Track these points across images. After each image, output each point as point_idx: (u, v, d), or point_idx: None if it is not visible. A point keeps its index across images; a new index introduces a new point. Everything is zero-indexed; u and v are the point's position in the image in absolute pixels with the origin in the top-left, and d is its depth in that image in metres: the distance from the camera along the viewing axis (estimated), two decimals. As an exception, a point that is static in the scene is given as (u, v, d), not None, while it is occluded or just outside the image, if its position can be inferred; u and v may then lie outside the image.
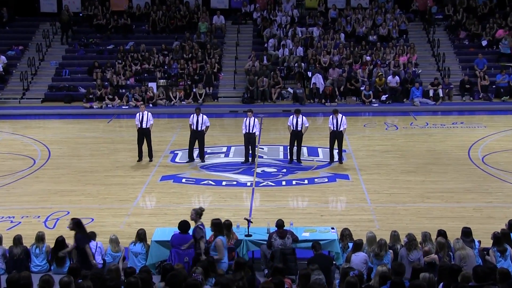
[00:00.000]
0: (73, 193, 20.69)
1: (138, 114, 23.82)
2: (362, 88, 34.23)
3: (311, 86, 34.51)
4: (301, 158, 23.58)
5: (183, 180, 21.83)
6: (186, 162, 23.69)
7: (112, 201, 19.92)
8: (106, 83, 35.31)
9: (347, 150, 24.91)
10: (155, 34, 40.11)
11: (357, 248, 13.53)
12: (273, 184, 21.46)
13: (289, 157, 23.66)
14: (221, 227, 13.90)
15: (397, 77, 34.24)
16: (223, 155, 25.05)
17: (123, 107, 33.85)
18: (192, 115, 23.66)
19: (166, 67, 36.77)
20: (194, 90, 34.74)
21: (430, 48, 38.57)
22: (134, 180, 21.93)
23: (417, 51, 37.22)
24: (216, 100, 35.32)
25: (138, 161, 23.80)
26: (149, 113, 23.84)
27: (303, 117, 23.32)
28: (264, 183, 21.51)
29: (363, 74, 35.22)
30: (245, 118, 23.41)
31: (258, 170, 22.93)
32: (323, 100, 33.90)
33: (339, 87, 34.53)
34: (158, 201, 20.13)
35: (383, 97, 33.85)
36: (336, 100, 33.99)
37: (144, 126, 23.53)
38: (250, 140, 23.34)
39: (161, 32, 40.08)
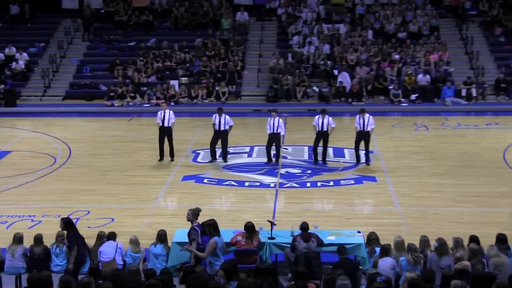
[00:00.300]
0: (94, 192, 20.82)
1: (159, 112, 23.88)
2: (390, 87, 34.08)
3: (338, 85, 34.41)
4: (326, 159, 23.51)
5: (205, 181, 21.85)
6: (208, 162, 23.75)
7: (132, 201, 20.01)
8: (127, 80, 35.49)
9: (375, 151, 24.79)
10: (177, 31, 40.25)
11: (385, 253, 13.45)
12: (297, 185, 21.42)
13: (314, 158, 23.62)
14: (217, 227, 13.87)
15: (428, 76, 34.06)
16: (246, 155, 25.06)
17: (145, 105, 33.99)
18: (214, 115, 23.73)
19: (188, 64, 36.88)
20: (216, 88, 34.79)
21: (463, 46, 38.28)
22: (155, 180, 22.00)
23: (449, 48, 37.02)
24: (239, 98, 35.35)
25: (160, 160, 23.89)
26: (171, 112, 23.91)
27: (329, 117, 23.25)
28: (288, 185, 21.47)
29: (391, 73, 35.08)
30: (269, 118, 23.39)
31: (282, 171, 22.90)
32: (350, 100, 33.79)
33: (367, 86, 34.41)
34: (179, 201, 20.18)
35: (413, 97, 33.67)
36: (364, 99, 33.88)
37: (166, 124, 23.61)
38: (274, 140, 23.32)
39: (184, 29, 40.22)
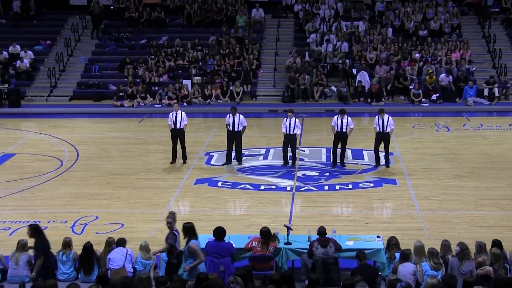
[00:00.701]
0: (102, 196, 20.87)
1: (171, 113, 23.88)
2: (411, 87, 34.00)
3: (356, 84, 34.39)
4: (345, 161, 23.47)
5: (219, 184, 21.88)
6: (223, 165, 23.75)
7: (143, 206, 20.04)
8: (138, 80, 35.58)
9: (395, 153, 24.76)
10: (190, 28, 40.35)
11: (405, 258, 13.43)
12: (314, 188, 21.41)
13: (332, 160, 23.60)
14: (194, 230, 14.01)
15: (450, 76, 33.92)
16: (261, 157, 25.06)
17: (156, 105, 34.07)
18: (228, 115, 23.71)
19: (201, 63, 36.94)
20: (231, 88, 34.83)
21: (485, 44, 38.19)
22: (166, 183, 22.03)
23: (471, 47, 36.91)
24: (254, 98, 35.37)
25: (172, 163, 23.91)
26: (183, 113, 23.95)
27: (348, 117, 23.19)
28: (305, 188, 21.46)
29: (412, 72, 35.00)
30: (285, 119, 23.32)
31: (299, 173, 22.89)
32: (369, 100, 33.74)
33: (386, 86, 34.35)
34: (192, 206, 20.20)
35: (434, 97, 33.61)
36: (383, 99, 33.84)
37: (178, 126, 23.63)
38: (290, 141, 23.27)
39: (197, 26, 40.30)
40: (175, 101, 23.31)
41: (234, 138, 23.59)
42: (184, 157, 24.05)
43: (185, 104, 33.53)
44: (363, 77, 34.46)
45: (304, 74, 34.71)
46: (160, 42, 38.57)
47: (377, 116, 23.16)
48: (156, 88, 35.19)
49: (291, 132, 23.05)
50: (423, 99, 33.55)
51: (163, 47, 38.00)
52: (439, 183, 21.72)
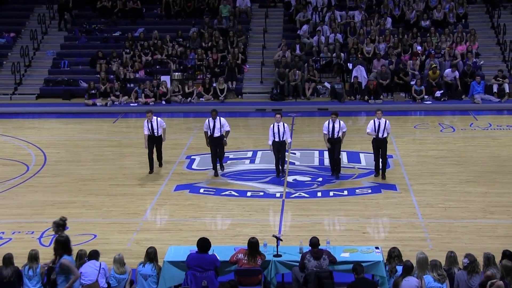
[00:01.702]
0: (73, 205, 20.81)
1: (146, 122, 23.24)
2: (412, 83, 34.11)
3: (352, 80, 34.48)
4: (340, 166, 23.44)
5: (201, 190, 21.87)
6: (207, 169, 23.61)
7: (118, 215, 20.00)
8: (112, 76, 35.57)
9: (394, 155, 24.83)
10: (169, 19, 40.39)
11: (408, 272, 13.45)
12: (306, 195, 21.43)
13: (332, 170, 23.10)
14: (68, 245, 14.12)
15: (456, 72, 34.01)
16: (248, 161, 25.08)
17: (131, 104, 34.06)
18: (207, 120, 22.85)
19: (181, 58, 36.93)
20: (214, 85, 34.86)
21: (494, 35, 38.38)
22: (143, 190, 22.02)
23: (478, 38, 37.07)
24: (240, 96, 35.42)
25: (150, 172, 23.61)
26: (158, 118, 23.39)
27: (340, 121, 22.51)
28: (296, 194, 21.49)
29: (413, 66, 35.12)
30: (273, 124, 22.42)
31: (289, 179, 22.92)
32: (366, 97, 33.83)
33: (385, 81, 34.45)
34: (171, 214, 20.17)
35: (438, 93, 33.72)
36: (382, 96, 33.94)
37: (156, 134, 23.19)
38: (280, 150, 22.56)
39: (176, 17, 40.34)
40: (149, 110, 22.19)
41: (216, 144, 22.87)
42: (160, 160, 23.97)
43: (163, 102, 33.55)
44: (359, 72, 34.54)
45: (295, 69, 34.77)
46: (136, 35, 38.57)
47: (372, 121, 22.31)
48: (132, 85, 35.19)
49: (281, 139, 22.21)
50: (426, 96, 33.66)
51: (139, 40, 38.00)
52: (444, 188, 21.77)
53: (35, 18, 40.53)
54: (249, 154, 25.86)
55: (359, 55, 35.74)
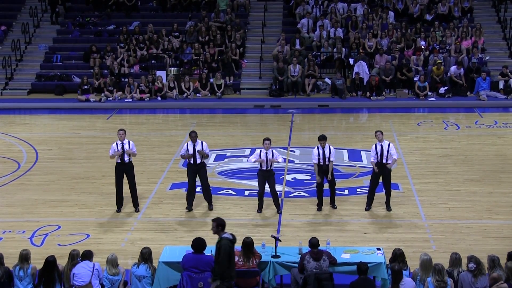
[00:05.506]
0: (65, 203, 20.83)
1: (115, 144, 19.93)
2: (415, 79, 34.12)
3: (354, 76, 34.46)
4: (341, 164, 23.40)
5: (197, 189, 21.83)
6: (186, 209, 20.32)
7: (111, 214, 20.02)
8: (106, 71, 35.55)
9: (397, 154, 24.76)
10: (164, 13, 40.36)
11: (397, 276, 13.41)
12: (306, 194, 21.46)
13: (318, 204, 20.29)
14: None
15: (462, 69, 33.97)
16: (245, 158, 25.02)
17: (126, 100, 34.05)
18: (185, 144, 20.02)
19: (178, 52, 36.91)
20: (211, 80, 34.84)
21: (500, 30, 38.38)
22: (138, 188, 21.81)
23: (484, 33, 37.04)
24: (237, 92, 35.39)
25: (118, 211, 20.27)
26: (130, 142, 20.04)
27: (330, 146, 19.80)
28: (295, 193, 21.54)
29: (417, 62, 35.11)
30: (259, 150, 19.58)
31: (288, 177, 22.93)
32: (368, 93, 33.82)
33: (388, 77, 34.43)
34: (167, 214, 20.16)
35: (442, 90, 33.71)
36: (384, 93, 33.91)
37: (126, 160, 19.89)
38: (268, 179, 19.62)
39: (172, 10, 40.31)
40: (122, 129, 18.88)
41: (198, 172, 20.00)
42: (136, 202, 20.35)
43: (159, 98, 33.54)
44: (361, 68, 34.52)
45: (295, 64, 34.73)
46: (130, 28, 38.53)
47: (374, 145, 19.65)
48: (126, 80, 35.11)
49: (268, 167, 19.49)
50: (430, 93, 33.64)
51: (134, 34, 37.96)
52: (448, 188, 21.80)
53: (27, 11, 40.49)
54: (247, 151, 25.81)
55: (361, 50, 35.69)
